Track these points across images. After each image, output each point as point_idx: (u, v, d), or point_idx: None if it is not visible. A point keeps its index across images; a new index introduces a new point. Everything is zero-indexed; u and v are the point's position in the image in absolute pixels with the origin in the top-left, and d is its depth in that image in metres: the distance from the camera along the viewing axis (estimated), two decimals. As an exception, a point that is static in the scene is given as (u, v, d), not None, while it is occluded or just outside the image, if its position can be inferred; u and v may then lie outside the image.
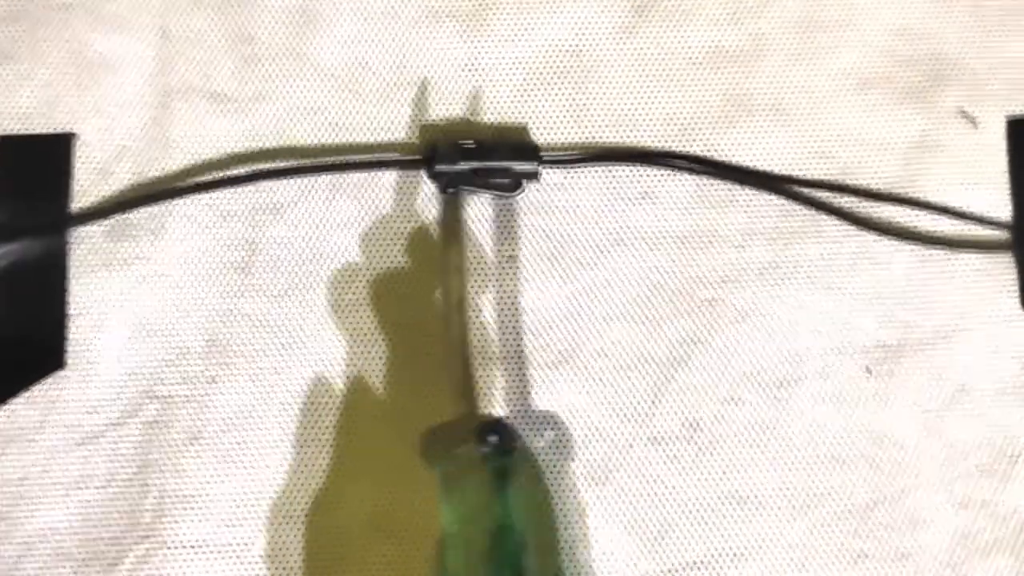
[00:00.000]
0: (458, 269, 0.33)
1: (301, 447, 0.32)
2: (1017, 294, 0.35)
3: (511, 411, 0.33)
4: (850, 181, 0.35)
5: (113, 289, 0.33)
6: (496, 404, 0.33)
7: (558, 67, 0.35)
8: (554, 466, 0.32)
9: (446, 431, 0.31)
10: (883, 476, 0.33)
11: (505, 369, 0.33)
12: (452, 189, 0.34)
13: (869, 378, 0.34)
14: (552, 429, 0.32)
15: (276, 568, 0.31)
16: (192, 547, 0.31)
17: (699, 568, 0.32)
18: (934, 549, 0.33)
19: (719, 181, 0.35)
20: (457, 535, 0.29)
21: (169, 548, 0.31)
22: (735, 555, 0.32)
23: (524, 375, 0.33)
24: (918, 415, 0.34)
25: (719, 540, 0.32)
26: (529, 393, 0.33)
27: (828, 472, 0.33)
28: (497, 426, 0.30)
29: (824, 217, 0.35)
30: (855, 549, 0.32)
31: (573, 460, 0.32)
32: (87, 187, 0.34)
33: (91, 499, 0.32)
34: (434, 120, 0.35)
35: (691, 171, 0.35)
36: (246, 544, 0.32)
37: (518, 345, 0.33)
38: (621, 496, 0.33)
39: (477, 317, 0.33)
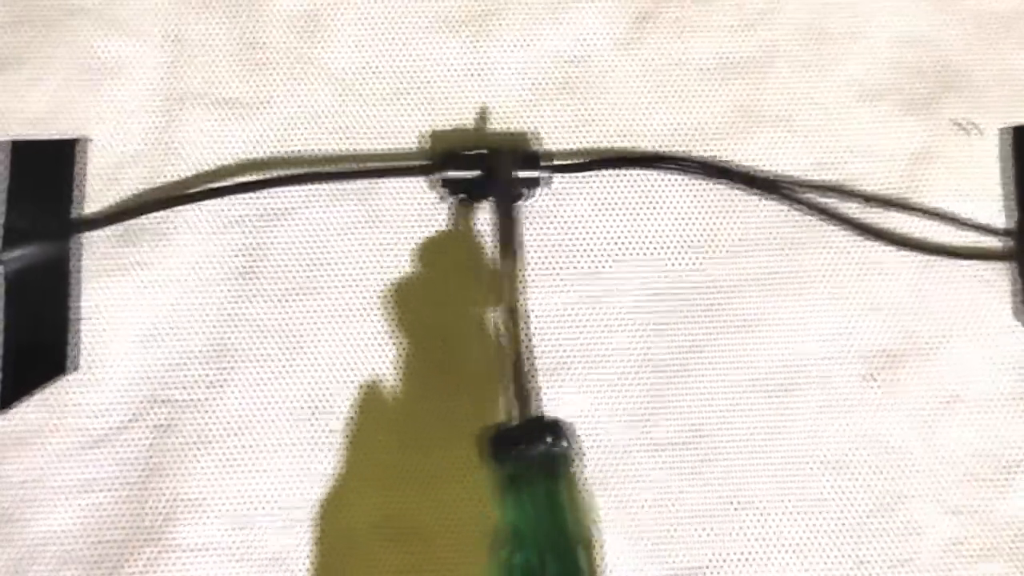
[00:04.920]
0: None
1: (307, 451, 0.32)
2: (1018, 303, 0.35)
3: (513, 418, 0.33)
4: (854, 191, 0.35)
5: (121, 294, 0.33)
6: (499, 410, 0.33)
7: (564, 76, 0.36)
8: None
9: (503, 431, 0.31)
10: (882, 483, 0.33)
11: (512, 370, 0.33)
12: (457, 196, 0.34)
13: (869, 385, 0.34)
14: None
15: (283, 572, 0.32)
16: (198, 550, 0.32)
17: (700, 574, 0.32)
18: (931, 556, 0.33)
19: (721, 190, 0.35)
20: (517, 534, 0.30)
21: (176, 551, 0.32)
22: (736, 561, 0.33)
23: (529, 382, 0.33)
24: (917, 422, 0.34)
25: (720, 546, 0.33)
26: (534, 400, 0.33)
27: (828, 478, 0.33)
28: (554, 425, 0.31)
29: (825, 226, 0.35)
30: (854, 555, 0.33)
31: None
32: (95, 192, 0.34)
33: (98, 502, 0.32)
34: (440, 127, 0.35)
35: (696, 174, 0.35)
36: (253, 547, 0.32)
37: (521, 351, 0.34)
38: (622, 503, 0.33)
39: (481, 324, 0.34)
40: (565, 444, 0.30)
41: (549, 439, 0.30)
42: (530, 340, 0.33)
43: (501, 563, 0.30)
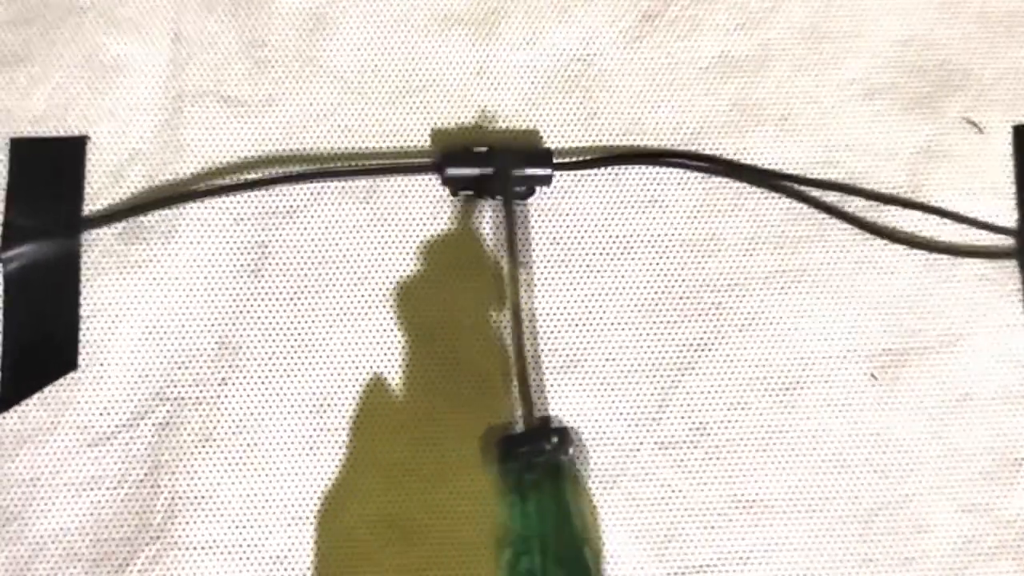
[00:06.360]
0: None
1: (311, 449, 0.32)
2: (1021, 301, 0.35)
3: (519, 416, 0.33)
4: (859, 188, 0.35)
5: (125, 291, 0.33)
6: (504, 410, 0.33)
7: (568, 74, 0.36)
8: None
9: (509, 436, 0.31)
10: (888, 481, 0.33)
11: (515, 374, 0.33)
12: (463, 194, 0.34)
13: (874, 383, 0.34)
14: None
15: (286, 569, 0.32)
16: (203, 548, 0.32)
17: (705, 572, 0.32)
18: (938, 554, 0.33)
19: (726, 187, 0.35)
20: (522, 538, 0.30)
21: (180, 549, 0.32)
22: (741, 559, 0.33)
23: (536, 380, 0.33)
24: (922, 420, 0.34)
25: (725, 544, 0.33)
26: (540, 398, 0.33)
27: (833, 477, 0.33)
28: (559, 430, 0.31)
29: (830, 223, 0.35)
30: (860, 553, 0.33)
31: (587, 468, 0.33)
32: (100, 190, 0.34)
33: (102, 500, 0.32)
34: (445, 125, 0.35)
35: (701, 170, 0.35)
36: (256, 545, 0.32)
37: (528, 349, 0.34)
38: (628, 500, 0.33)
39: (487, 322, 0.34)
40: (570, 449, 0.31)
41: (554, 444, 0.30)
42: (536, 340, 0.34)
43: (505, 566, 0.30)
